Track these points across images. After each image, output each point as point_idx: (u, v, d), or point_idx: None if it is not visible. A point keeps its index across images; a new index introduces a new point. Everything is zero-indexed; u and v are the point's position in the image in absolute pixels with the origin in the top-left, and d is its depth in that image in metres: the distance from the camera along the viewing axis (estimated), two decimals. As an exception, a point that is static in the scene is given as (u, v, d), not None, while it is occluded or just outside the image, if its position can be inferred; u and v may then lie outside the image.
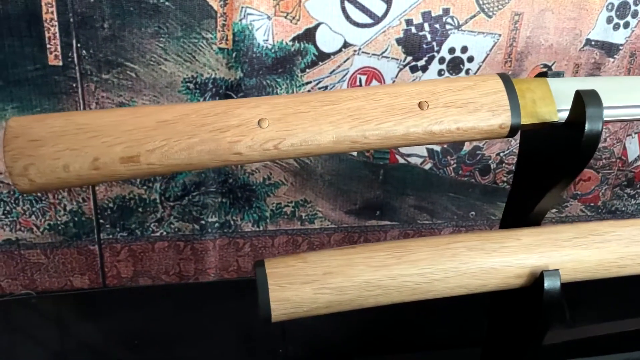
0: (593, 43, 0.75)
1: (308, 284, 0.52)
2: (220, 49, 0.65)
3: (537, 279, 0.54)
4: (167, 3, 0.62)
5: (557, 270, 0.54)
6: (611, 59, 0.76)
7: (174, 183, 0.71)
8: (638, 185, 0.86)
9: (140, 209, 0.72)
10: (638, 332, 0.72)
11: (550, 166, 0.54)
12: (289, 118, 0.45)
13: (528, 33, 0.72)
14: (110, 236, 0.73)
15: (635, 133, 0.82)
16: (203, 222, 0.74)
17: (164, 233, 0.74)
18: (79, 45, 0.61)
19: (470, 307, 0.66)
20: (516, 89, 0.50)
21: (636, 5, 0.74)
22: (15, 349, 0.69)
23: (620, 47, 0.76)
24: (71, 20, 0.60)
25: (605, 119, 0.50)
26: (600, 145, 0.82)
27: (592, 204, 0.86)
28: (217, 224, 0.75)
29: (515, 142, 0.79)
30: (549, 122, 0.50)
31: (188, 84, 0.66)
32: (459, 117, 0.48)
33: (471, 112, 0.49)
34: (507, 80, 0.50)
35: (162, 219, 0.73)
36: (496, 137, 0.50)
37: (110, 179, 0.41)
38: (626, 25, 0.75)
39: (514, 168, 0.76)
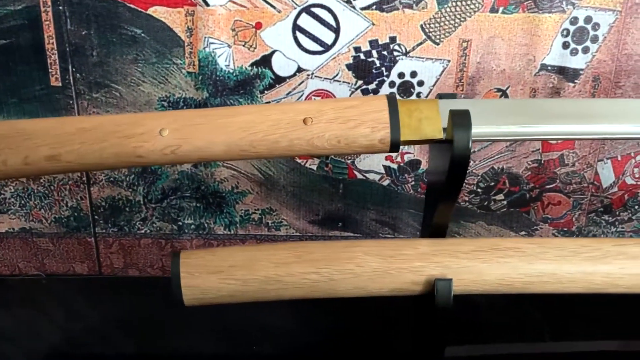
0: (549, 68, 0.75)
1: (214, 274, 0.60)
2: (188, 72, 0.75)
3: (431, 287, 0.58)
4: (142, 34, 0.73)
5: (450, 279, 0.57)
6: (571, 84, 0.76)
7: (154, 187, 0.82)
8: (617, 213, 0.83)
9: (127, 209, 0.83)
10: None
11: (437, 182, 0.57)
12: (186, 128, 0.54)
13: (478, 59, 0.75)
14: (104, 231, 0.85)
15: (608, 158, 0.80)
16: (180, 223, 0.84)
17: (148, 231, 0.85)
18: (74, 69, 0.75)
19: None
20: (402, 109, 0.55)
21: (595, 30, 0.74)
22: (25, 322, 0.83)
23: (581, 72, 0.75)
24: (67, 49, 0.73)
25: (479, 138, 0.54)
26: (569, 169, 0.81)
27: (565, 229, 0.84)
28: (193, 226, 0.84)
29: (474, 163, 0.81)
30: (433, 139, 0.54)
31: (163, 102, 0.77)
32: (341, 132, 0.54)
33: (352, 128, 0.55)
34: (392, 101, 0.55)
35: (146, 219, 0.84)
36: (380, 151, 0.55)
37: (38, 173, 0.52)
38: (585, 50, 0.74)
39: (474, 188, 0.78)
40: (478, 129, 0.55)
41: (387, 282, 0.60)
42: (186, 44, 0.75)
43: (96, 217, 0.84)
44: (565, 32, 0.74)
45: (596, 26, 0.74)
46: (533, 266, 0.59)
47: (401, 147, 0.56)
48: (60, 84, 0.76)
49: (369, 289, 0.60)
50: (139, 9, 0.73)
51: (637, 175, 0.81)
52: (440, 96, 0.58)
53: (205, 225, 0.85)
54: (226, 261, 0.61)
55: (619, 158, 0.81)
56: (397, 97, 0.58)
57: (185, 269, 0.60)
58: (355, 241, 0.63)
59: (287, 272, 0.60)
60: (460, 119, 0.52)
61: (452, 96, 0.58)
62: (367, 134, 0.55)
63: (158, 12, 0.73)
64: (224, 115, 0.55)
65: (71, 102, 0.77)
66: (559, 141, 0.79)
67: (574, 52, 0.75)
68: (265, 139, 0.54)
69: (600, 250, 0.59)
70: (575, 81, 0.76)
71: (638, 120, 0.57)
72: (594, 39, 0.75)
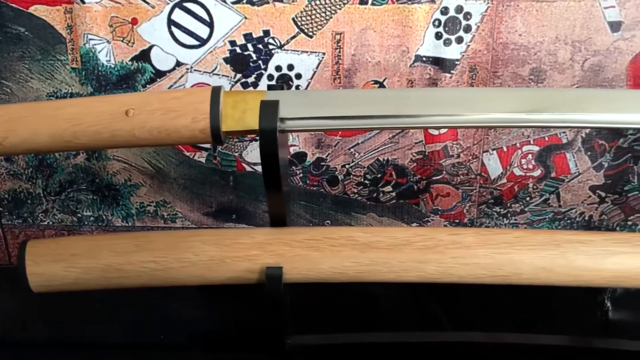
0: (424, 59, 0.75)
1: (58, 262, 0.62)
2: (72, 68, 0.78)
3: (264, 275, 0.58)
4: (26, 32, 0.76)
5: (281, 267, 0.58)
6: (448, 75, 0.75)
7: (52, 180, 0.85)
8: (508, 204, 0.82)
9: (29, 201, 0.86)
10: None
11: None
12: (13, 121, 0.56)
13: (352, 51, 0.75)
14: (10, 222, 0.88)
15: (494, 149, 0.79)
16: (80, 215, 0.87)
17: (50, 222, 0.87)
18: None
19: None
20: (227, 100, 0.56)
21: (467, 20, 0.73)
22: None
23: (457, 63, 0.75)
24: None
25: (289, 128, 0.54)
26: (454, 160, 0.80)
27: (457, 221, 0.84)
28: (92, 218, 0.87)
29: (359, 155, 0.81)
30: (255, 129, 0.55)
31: (51, 98, 0.79)
32: (161, 123, 0.56)
33: (173, 118, 0.56)
34: (215, 92, 0.56)
35: (47, 211, 0.87)
36: (203, 142, 0.56)
37: None
38: (459, 40, 0.74)
39: (362, 180, 0.79)
40: (294, 120, 0.56)
41: (224, 270, 0.61)
42: (67, 40, 0.77)
43: (1, 209, 0.88)
44: (436, 23, 0.74)
45: (468, 15, 0.73)
46: (366, 255, 0.60)
47: (225, 137, 0.56)
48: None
49: (206, 278, 0.61)
50: (21, 8, 0.75)
51: (525, 167, 0.81)
52: (270, 87, 0.58)
53: (104, 217, 0.87)
54: (70, 250, 0.63)
55: (505, 149, 0.80)
56: (227, 89, 0.59)
57: (30, 257, 0.62)
58: (196, 230, 0.64)
59: (126, 261, 0.61)
60: (268, 109, 0.53)
61: (281, 87, 0.59)
62: (187, 124, 0.56)
63: (39, 10, 0.76)
64: (50, 107, 0.57)
65: (-33, 98, 0.80)
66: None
67: (448, 43, 0.75)
68: (87, 130, 0.56)
69: (433, 239, 0.59)
70: (452, 72, 0.76)
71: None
72: (467, 29, 0.74)
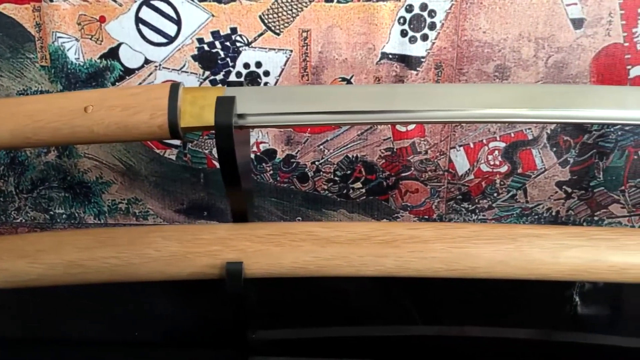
0: (390, 56, 0.75)
1: (23, 258, 0.62)
2: (42, 66, 0.78)
3: (225, 270, 0.59)
4: (-5, 30, 0.76)
5: (241, 262, 0.58)
6: (414, 72, 0.76)
7: (23, 178, 0.85)
8: (476, 200, 0.83)
9: (1, 199, 0.86)
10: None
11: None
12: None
13: (319, 48, 0.76)
14: (-17, 220, 0.89)
15: (460, 146, 0.80)
16: (52, 212, 0.87)
17: (23, 220, 0.88)
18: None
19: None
20: (186, 97, 0.57)
21: (432, 17, 0.73)
22: None
23: (423, 60, 0.75)
24: None
25: (250, 124, 0.55)
26: (422, 157, 0.81)
27: (426, 217, 0.84)
28: (64, 215, 0.87)
29: (328, 152, 0.81)
30: (212, 125, 0.56)
31: (21, 95, 0.79)
32: (120, 119, 0.56)
33: (132, 115, 0.56)
34: (173, 89, 0.56)
35: (20, 208, 0.87)
36: (162, 137, 0.57)
37: None
38: (424, 37, 0.74)
39: (331, 176, 0.79)
40: (255, 116, 0.57)
41: (185, 266, 0.61)
42: (36, 38, 0.77)
43: (-27, 206, 0.88)
44: (402, 20, 0.74)
45: (432, 13, 0.74)
46: (326, 249, 0.60)
47: (184, 133, 0.57)
48: None
49: (168, 273, 0.62)
50: (-11, 6, 0.77)
51: (491, 163, 0.81)
52: (229, 84, 0.59)
53: (76, 214, 0.88)
54: (34, 246, 0.63)
55: (472, 145, 0.80)
56: (185, 85, 0.59)
57: (-6, 253, 0.63)
58: (158, 226, 0.65)
59: (89, 257, 0.62)
60: (223, 105, 0.54)
61: (240, 84, 0.59)
62: (146, 120, 0.56)
63: (7, 8, 0.76)
64: (11, 104, 0.58)
65: None
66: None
67: (413, 40, 0.75)
68: (47, 127, 0.57)
69: (392, 234, 0.60)
70: (418, 69, 0.76)
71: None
72: (432, 26, 0.75)
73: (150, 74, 0.79)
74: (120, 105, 0.56)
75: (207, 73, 0.79)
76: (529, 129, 0.79)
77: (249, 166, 0.68)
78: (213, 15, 0.75)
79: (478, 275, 0.59)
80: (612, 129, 0.78)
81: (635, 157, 0.79)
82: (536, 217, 0.84)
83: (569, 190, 0.82)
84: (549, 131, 0.79)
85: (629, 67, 0.74)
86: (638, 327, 0.82)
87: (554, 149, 0.80)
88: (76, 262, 0.62)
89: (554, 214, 0.84)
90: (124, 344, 0.68)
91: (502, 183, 0.82)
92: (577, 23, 0.73)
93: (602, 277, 0.58)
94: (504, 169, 0.81)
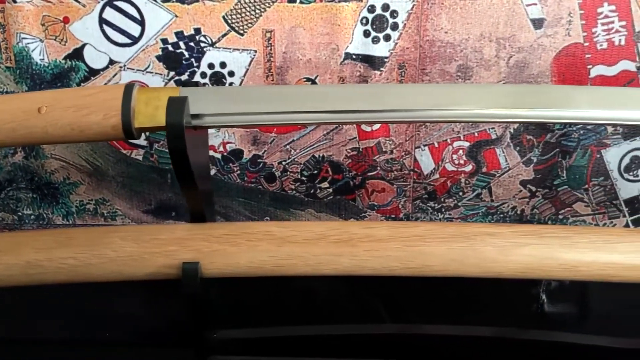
0: (354, 57, 0.76)
1: (-20, 258, 0.62)
2: (7, 67, 0.78)
3: (181, 270, 0.59)
4: (-41, 31, 0.76)
5: (197, 262, 0.59)
6: (378, 72, 0.76)
7: (-9, 179, 0.85)
8: (442, 199, 0.83)
9: (-32, 200, 0.87)
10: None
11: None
12: None
13: (283, 49, 0.76)
14: (-48, 221, 0.88)
15: (425, 145, 0.81)
16: (20, 213, 0.87)
17: (-9, 221, 0.88)
18: None
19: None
20: (140, 97, 0.57)
21: (394, 17, 0.74)
22: None
23: (386, 60, 0.76)
24: None
25: (205, 124, 0.55)
26: (388, 157, 0.81)
27: (393, 216, 0.85)
28: (32, 216, 0.87)
29: (294, 152, 0.82)
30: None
31: (-14, 96, 0.80)
32: (74, 120, 0.56)
33: (85, 115, 0.56)
34: (127, 89, 0.57)
35: (-12, 209, 0.87)
36: (116, 138, 0.57)
37: None
38: (387, 38, 0.75)
39: (298, 176, 0.80)
40: (211, 116, 0.57)
41: (142, 266, 0.61)
42: (0, 40, 0.78)
43: (-59, 208, 0.88)
44: (364, 21, 0.75)
45: (394, 13, 0.74)
46: (282, 249, 0.60)
47: (138, 133, 0.57)
48: None
49: (125, 274, 0.62)
50: (-47, 7, 0.76)
51: (456, 162, 0.82)
52: (184, 84, 0.59)
53: (44, 215, 0.87)
54: (-10, 246, 0.64)
55: (436, 145, 0.81)
56: (138, 85, 0.59)
57: (-48, 254, 0.63)
58: (117, 227, 0.65)
59: (46, 257, 0.62)
60: (174, 105, 0.54)
61: (195, 84, 0.60)
62: (99, 121, 0.56)
63: (-30, 9, 0.77)
64: (-33, 106, 0.58)
65: None
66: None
67: (376, 40, 0.76)
68: (3, 127, 0.56)
69: (347, 233, 0.60)
70: (382, 69, 0.77)
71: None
72: (394, 27, 0.75)
73: (115, 74, 0.79)
74: (74, 106, 0.56)
75: (172, 73, 0.78)
76: (493, 128, 0.80)
77: (207, 166, 0.68)
78: (176, 16, 0.76)
79: (433, 274, 0.60)
80: (574, 128, 0.79)
81: (598, 156, 0.80)
82: (502, 215, 0.85)
83: (533, 189, 0.83)
84: (512, 130, 0.80)
85: (589, 66, 0.75)
86: (603, 325, 0.84)
87: (518, 148, 0.81)
88: (34, 262, 0.61)
89: (519, 212, 0.84)
90: (84, 344, 0.68)
91: (467, 182, 0.83)
92: (537, 23, 0.74)
93: (554, 274, 0.59)
94: (469, 168, 0.82)
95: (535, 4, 0.73)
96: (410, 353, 0.74)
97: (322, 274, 0.61)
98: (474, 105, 0.60)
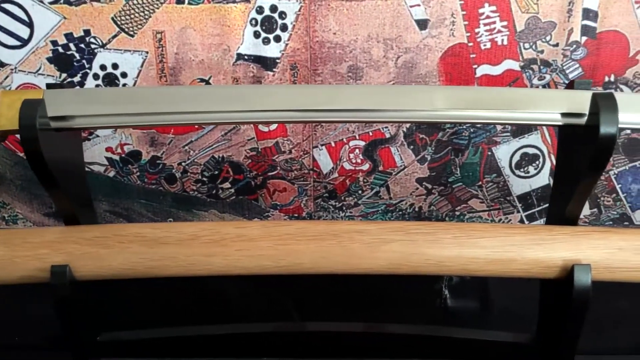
0: (246, 57, 0.77)
1: None
2: None
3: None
4: None
5: (66, 265, 0.58)
6: (270, 73, 0.77)
7: None
8: (342, 198, 0.85)
9: None
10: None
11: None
12: None
13: (175, 50, 0.76)
14: None
15: (322, 145, 0.82)
16: None
17: None
18: None
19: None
20: (4, 100, 0.57)
21: (283, 19, 0.75)
22: None
23: (278, 61, 0.77)
24: None
25: (73, 126, 0.55)
26: (287, 156, 0.82)
27: (296, 215, 0.86)
28: None
29: (194, 152, 0.82)
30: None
31: None
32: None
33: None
34: (-12, 92, 0.56)
35: None
36: (-21, 141, 0.56)
37: None
38: (277, 39, 0.76)
39: (199, 177, 0.80)
40: (80, 118, 0.57)
41: (13, 270, 0.61)
42: None
43: None
44: (253, 22, 0.75)
45: (283, 15, 0.75)
46: (154, 250, 0.60)
47: (2, 136, 0.57)
48: None
49: (-3, 277, 0.62)
50: None
51: (353, 161, 0.83)
52: (48, 86, 0.59)
53: (-58, 220, 0.87)
54: None
55: (333, 144, 0.82)
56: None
57: None
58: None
59: None
60: (27, 108, 0.53)
61: (60, 86, 0.60)
62: (-41, 124, 0.56)
63: None
64: None
65: None
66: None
67: (267, 41, 0.76)
68: None
69: (219, 233, 0.61)
70: (274, 70, 0.77)
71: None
72: (283, 28, 0.76)
73: (7, 77, 0.78)
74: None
75: (64, 75, 0.78)
76: (386, 127, 0.81)
77: (80, 168, 0.67)
78: (65, 18, 0.75)
79: (304, 271, 0.61)
80: (464, 127, 0.81)
81: (489, 153, 0.82)
82: (400, 213, 0.86)
83: (429, 186, 0.84)
84: (405, 129, 0.81)
85: (475, 66, 0.77)
86: (503, 320, 0.86)
87: (411, 146, 0.82)
88: None
89: (417, 209, 0.86)
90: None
91: (365, 180, 0.84)
92: (422, 24, 0.75)
93: (420, 269, 0.60)
94: (366, 166, 0.83)
95: (418, 5, 0.74)
96: (307, 350, 0.75)
97: (194, 274, 0.61)
98: (360, 106, 0.61)
